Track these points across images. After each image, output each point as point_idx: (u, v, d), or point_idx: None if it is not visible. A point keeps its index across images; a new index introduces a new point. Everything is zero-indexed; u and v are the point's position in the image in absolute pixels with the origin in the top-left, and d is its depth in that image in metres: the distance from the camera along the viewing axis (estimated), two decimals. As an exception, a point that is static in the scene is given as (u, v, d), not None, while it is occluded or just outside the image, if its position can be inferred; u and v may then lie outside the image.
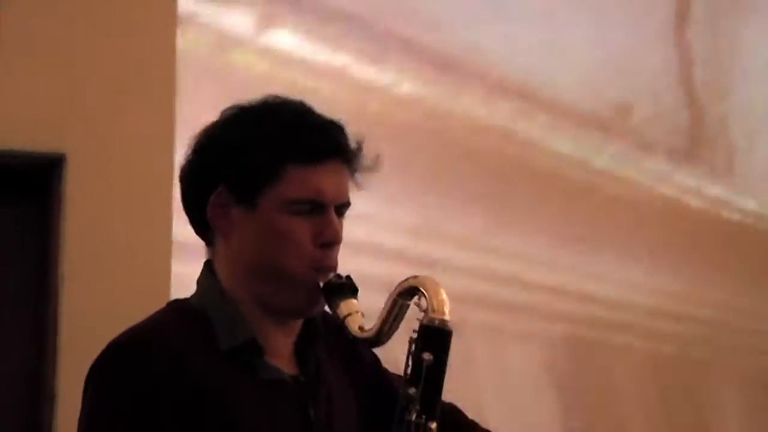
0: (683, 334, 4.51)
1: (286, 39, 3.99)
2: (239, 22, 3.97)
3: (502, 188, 4.25)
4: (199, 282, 1.87)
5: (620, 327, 4.42)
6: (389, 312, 1.77)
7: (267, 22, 4.00)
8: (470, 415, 2.04)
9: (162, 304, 1.89)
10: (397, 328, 1.77)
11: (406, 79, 4.10)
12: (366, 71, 4.02)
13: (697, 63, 4.64)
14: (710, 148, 4.67)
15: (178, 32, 3.84)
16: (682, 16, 4.65)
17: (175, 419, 1.70)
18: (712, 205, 4.61)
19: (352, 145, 1.84)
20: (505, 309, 4.18)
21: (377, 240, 3.85)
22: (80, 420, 1.75)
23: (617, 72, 4.52)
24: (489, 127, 4.25)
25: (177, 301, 1.88)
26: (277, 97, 1.86)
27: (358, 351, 1.94)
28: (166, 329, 1.79)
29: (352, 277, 1.81)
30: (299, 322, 1.87)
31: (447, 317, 1.74)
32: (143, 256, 3.72)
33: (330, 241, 1.81)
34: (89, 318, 3.56)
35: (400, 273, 1.82)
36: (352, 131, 1.86)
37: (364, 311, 1.79)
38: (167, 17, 3.85)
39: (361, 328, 1.77)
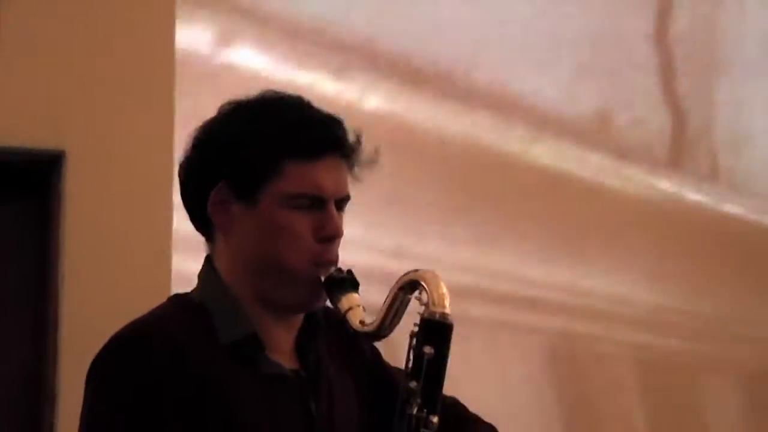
0: (673, 340, 4.48)
1: (247, 55, 3.98)
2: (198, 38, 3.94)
3: (481, 199, 4.19)
4: (199, 277, 1.87)
5: (605, 338, 4.40)
6: (390, 306, 1.77)
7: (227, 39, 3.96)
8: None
9: (163, 301, 1.89)
10: (398, 321, 1.78)
11: (372, 94, 4.06)
12: (330, 87, 3.98)
13: (679, 67, 4.59)
14: (693, 153, 4.63)
15: (178, 30, 3.84)
16: (663, 19, 4.59)
17: (178, 413, 1.71)
18: (696, 210, 4.57)
19: (351, 139, 1.85)
20: (488, 323, 4.14)
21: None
22: (82, 414, 1.75)
23: (596, 78, 4.47)
24: (463, 138, 4.17)
25: (178, 295, 1.88)
26: (275, 92, 1.86)
27: (359, 345, 1.95)
28: (167, 323, 1.80)
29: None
30: (300, 317, 1.87)
31: (448, 311, 1.74)
32: (143, 252, 3.73)
33: (331, 235, 1.81)
34: (89, 315, 3.56)
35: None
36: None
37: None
38: (166, 15, 3.85)
39: (362, 322, 1.77)
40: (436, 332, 1.74)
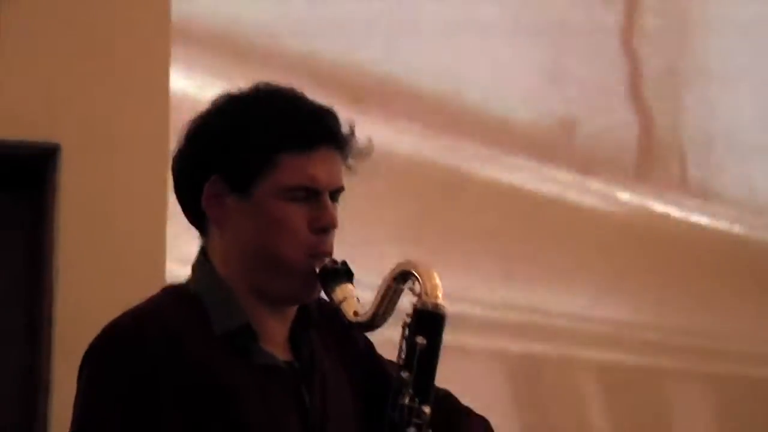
0: (635, 353, 4.39)
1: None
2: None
3: (432, 216, 4.09)
4: (193, 268, 1.87)
5: (575, 345, 4.32)
6: (383, 296, 1.77)
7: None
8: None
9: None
10: (391, 312, 1.78)
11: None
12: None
13: (646, 71, 4.49)
14: (662, 159, 4.52)
15: (172, 23, 3.84)
16: (629, 23, 4.49)
17: (173, 402, 1.71)
18: (663, 222, 4.46)
19: (345, 130, 1.85)
20: (462, 330, 4.06)
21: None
22: (76, 402, 1.76)
23: (559, 85, 4.36)
24: (409, 153, 4.07)
25: (172, 285, 1.88)
26: (268, 84, 1.86)
27: (353, 337, 1.95)
28: (162, 313, 1.80)
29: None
30: (294, 309, 1.87)
31: (440, 301, 1.75)
32: (138, 245, 3.73)
33: (326, 227, 1.81)
34: (84, 306, 3.56)
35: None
36: None
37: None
38: (161, 8, 3.85)
39: (355, 313, 1.78)
40: (428, 323, 1.74)
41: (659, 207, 4.48)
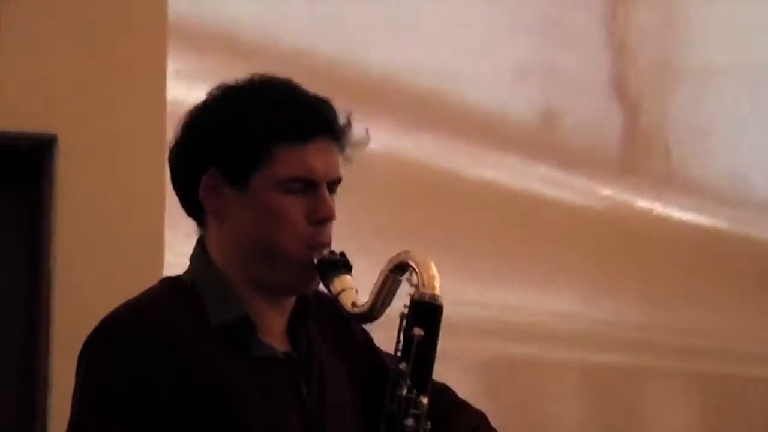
0: (617, 352, 4.35)
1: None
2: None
3: (405, 213, 4.02)
4: (191, 260, 1.87)
5: (556, 346, 4.27)
6: (381, 287, 1.78)
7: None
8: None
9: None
10: (389, 303, 1.78)
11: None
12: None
13: (632, 64, 4.42)
14: (647, 152, 4.46)
15: (168, 14, 3.84)
16: (615, 15, 4.40)
17: (171, 395, 1.71)
18: (647, 217, 4.40)
19: (341, 121, 1.85)
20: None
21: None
22: (74, 395, 1.76)
23: (542, 79, 4.28)
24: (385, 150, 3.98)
25: (170, 278, 1.88)
26: (263, 75, 1.86)
27: (351, 329, 1.95)
28: (159, 304, 1.80)
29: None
30: (292, 300, 1.87)
31: (437, 292, 1.75)
32: (136, 235, 3.73)
33: (324, 218, 1.81)
34: (82, 298, 3.56)
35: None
36: None
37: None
38: (158, 1, 3.85)
39: (353, 304, 1.78)
40: (425, 314, 1.75)
41: (643, 202, 4.42)
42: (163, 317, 1.77)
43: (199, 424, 1.72)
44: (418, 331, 1.73)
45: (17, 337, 3.84)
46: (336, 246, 1.83)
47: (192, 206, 1.86)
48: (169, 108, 3.71)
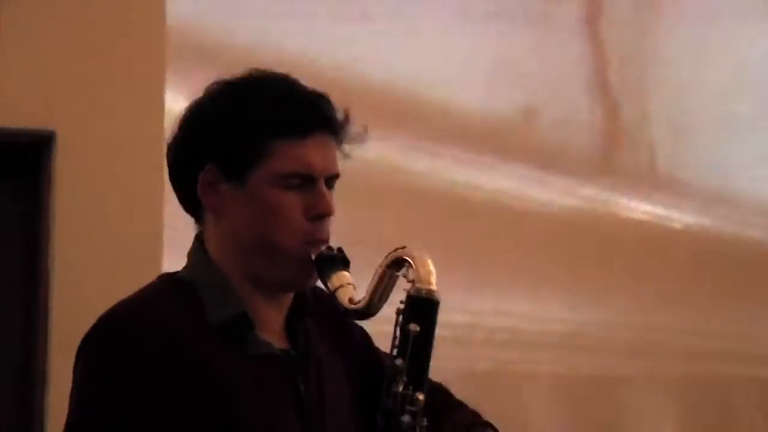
0: (595, 356, 4.27)
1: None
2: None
3: (374, 217, 3.92)
4: (189, 256, 1.87)
5: (530, 350, 4.19)
6: (378, 283, 1.77)
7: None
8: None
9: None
10: (386, 299, 1.78)
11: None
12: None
13: (612, 58, 4.30)
14: (629, 153, 4.35)
15: (167, 10, 3.84)
16: (594, 8, 4.29)
17: (168, 393, 1.71)
18: (630, 217, 4.30)
19: (339, 116, 1.84)
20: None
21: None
22: (72, 393, 1.75)
23: (519, 74, 4.17)
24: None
25: (168, 274, 1.88)
26: (261, 70, 1.86)
27: (349, 327, 1.95)
28: (157, 302, 1.79)
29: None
30: (290, 296, 1.87)
31: (434, 287, 1.74)
32: (134, 232, 3.73)
33: (322, 214, 1.81)
34: (80, 294, 3.57)
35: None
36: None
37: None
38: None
39: (351, 300, 1.77)
40: (422, 309, 1.74)
41: (625, 201, 4.32)
42: (161, 314, 1.76)
43: (197, 421, 1.72)
44: (414, 327, 1.73)
45: (15, 335, 3.84)
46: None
47: (190, 203, 1.86)
48: (167, 105, 3.71)
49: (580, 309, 4.21)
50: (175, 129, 1.86)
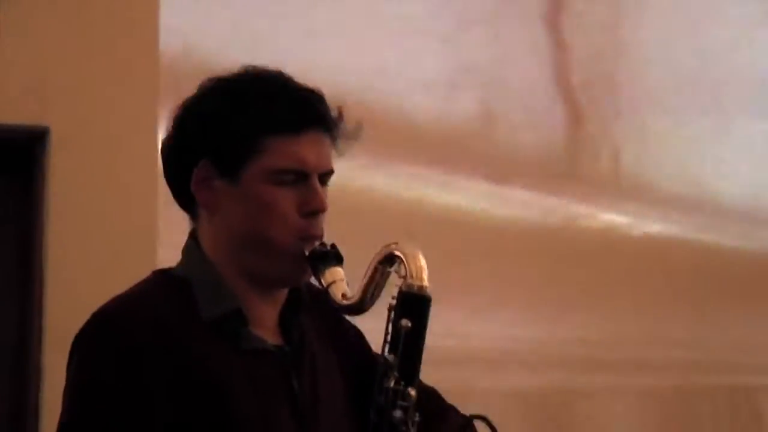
0: (556, 370, 4.18)
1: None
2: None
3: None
4: (183, 252, 1.87)
5: (492, 365, 4.12)
6: (371, 279, 1.78)
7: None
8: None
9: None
10: (379, 294, 1.78)
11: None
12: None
13: (575, 59, 4.14)
14: (593, 158, 4.21)
15: (162, 7, 3.84)
16: (555, 7, 4.14)
17: (161, 389, 1.71)
18: (594, 225, 4.18)
19: (333, 113, 1.85)
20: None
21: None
22: (66, 390, 1.75)
23: (476, 77, 4.02)
24: None
25: (162, 270, 1.88)
26: (255, 67, 1.86)
27: (343, 325, 1.95)
28: (151, 299, 1.80)
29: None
30: (284, 293, 1.87)
31: (425, 283, 1.75)
32: (128, 228, 3.73)
33: (315, 210, 1.81)
34: (73, 290, 3.56)
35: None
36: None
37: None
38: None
39: (343, 296, 1.78)
40: (413, 305, 1.75)
41: (587, 209, 4.20)
42: (154, 310, 1.77)
43: (191, 417, 1.72)
44: (405, 323, 1.73)
45: (9, 332, 3.84)
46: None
47: (184, 199, 1.86)
48: (162, 101, 3.71)
49: (537, 325, 4.10)
50: (170, 125, 1.86)
